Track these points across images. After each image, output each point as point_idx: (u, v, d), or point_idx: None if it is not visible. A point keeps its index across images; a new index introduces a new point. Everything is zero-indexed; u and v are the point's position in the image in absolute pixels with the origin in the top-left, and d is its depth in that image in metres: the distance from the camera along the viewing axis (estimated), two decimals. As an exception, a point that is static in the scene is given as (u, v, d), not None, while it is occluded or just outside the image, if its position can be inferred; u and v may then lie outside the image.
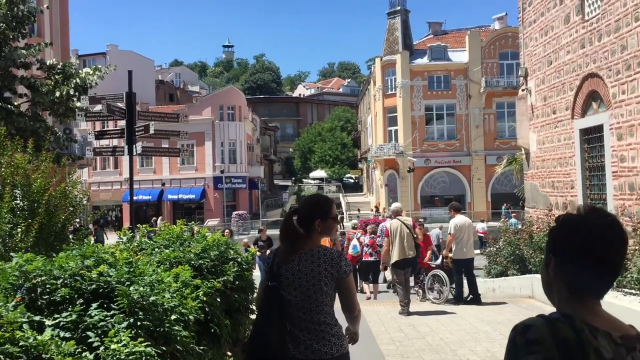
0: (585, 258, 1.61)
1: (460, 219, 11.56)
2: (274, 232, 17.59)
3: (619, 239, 1.64)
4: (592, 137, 11.83)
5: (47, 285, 3.53)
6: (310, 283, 3.23)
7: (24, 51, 12.90)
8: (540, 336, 1.52)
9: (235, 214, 45.46)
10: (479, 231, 24.75)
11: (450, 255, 11.59)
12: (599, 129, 11.44)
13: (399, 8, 47.52)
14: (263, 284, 3.47)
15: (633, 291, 7.75)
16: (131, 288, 3.61)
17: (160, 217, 37.56)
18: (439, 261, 12.71)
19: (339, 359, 3.28)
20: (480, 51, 44.86)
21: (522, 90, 15.50)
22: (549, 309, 1.69)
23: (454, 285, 11.98)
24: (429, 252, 13.56)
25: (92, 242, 6.04)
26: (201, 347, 4.17)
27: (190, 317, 3.96)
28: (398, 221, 10.53)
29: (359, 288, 15.55)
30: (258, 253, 14.83)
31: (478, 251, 14.85)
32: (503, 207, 31.18)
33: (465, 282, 11.75)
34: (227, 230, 15.48)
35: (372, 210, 45.84)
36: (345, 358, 3.35)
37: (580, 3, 11.96)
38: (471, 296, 11.63)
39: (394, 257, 10.36)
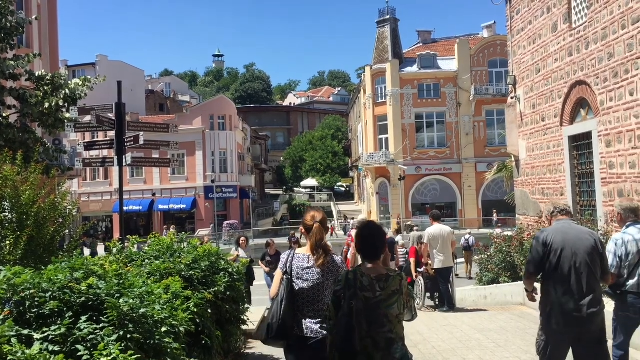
0: (361, 242, 3.85)
1: (435, 228, 11.64)
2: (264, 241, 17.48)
3: (372, 234, 3.84)
4: (581, 144, 11.90)
5: (36, 299, 3.50)
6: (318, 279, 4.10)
7: (12, 62, 12.82)
8: (342, 279, 3.66)
9: (227, 224, 45.34)
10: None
11: (429, 262, 11.80)
12: (587, 136, 11.52)
13: (388, 17, 47.88)
14: (279, 276, 4.20)
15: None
16: (121, 300, 3.58)
17: (170, 226, 36.88)
18: (422, 269, 12.78)
19: None
20: (469, 59, 45.20)
21: (511, 98, 15.58)
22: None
23: (436, 294, 12.48)
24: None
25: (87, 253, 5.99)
26: (192, 359, 4.14)
27: (181, 328, 3.93)
28: None
29: None
30: (266, 269, 13.69)
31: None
32: None
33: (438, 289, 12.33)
34: (242, 238, 14.19)
35: (338, 219, 46.07)
36: None
37: (568, 11, 12.06)
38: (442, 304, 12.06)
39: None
